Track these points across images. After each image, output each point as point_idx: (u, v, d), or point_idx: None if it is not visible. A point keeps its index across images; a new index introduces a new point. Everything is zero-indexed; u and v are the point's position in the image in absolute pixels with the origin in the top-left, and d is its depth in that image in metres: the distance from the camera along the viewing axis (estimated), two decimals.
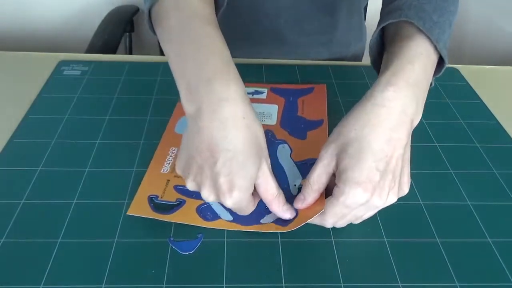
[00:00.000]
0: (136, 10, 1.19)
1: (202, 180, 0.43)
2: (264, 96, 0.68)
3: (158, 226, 0.49)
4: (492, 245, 0.49)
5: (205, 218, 0.49)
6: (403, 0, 0.52)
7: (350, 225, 0.49)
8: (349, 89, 0.71)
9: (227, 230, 0.49)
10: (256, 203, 0.48)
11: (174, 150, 0.57)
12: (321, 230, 0.49)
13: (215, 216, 0.49)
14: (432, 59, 0.50)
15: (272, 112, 0.65)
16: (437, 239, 0.49)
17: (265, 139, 0.46)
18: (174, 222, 0.49)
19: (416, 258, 0.47)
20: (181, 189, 0.52)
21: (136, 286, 0.43)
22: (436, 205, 0.53)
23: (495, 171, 0.58)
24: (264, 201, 0.47)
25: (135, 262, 0.45)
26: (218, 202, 0.46)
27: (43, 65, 0.74)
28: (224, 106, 0.42)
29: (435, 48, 0.49)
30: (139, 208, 0.50)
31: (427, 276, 0.45)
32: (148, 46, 1.25)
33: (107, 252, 0.46)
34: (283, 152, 0.58)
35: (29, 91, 0.68)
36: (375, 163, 0.44)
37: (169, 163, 0.55)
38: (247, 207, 0.46)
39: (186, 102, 0.44)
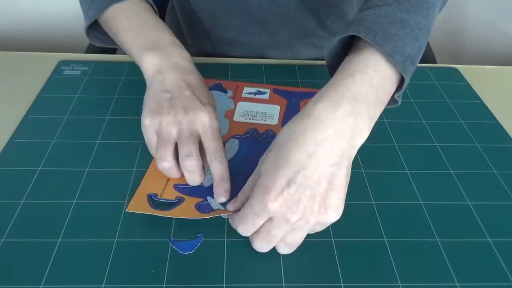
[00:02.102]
0: None
1: (159, 109, 0.53)
2: (266, 96, 0.68)
3: (158, 226, 0.49)
4: (492, 245, 0.49)
5: (203, 212, 0.49)
6: (360, 14, 0.49)
7: (350, 225, 0.49)
8: None
9: (227, 230, 0.49)
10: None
11: None
12: (322, 230, 0.49)
13: (213, 211, 0.50)
14: (384, 73, 0.45)
15: (274, 112, 0.65)
16: (437, 239, 0.49)
17: (207, 93, 0.56)
18: (174, 222, 0.49)
19: (416, 258, 0.47)
20: (181, 188, 0.52)
21: (136, 286, 0.43)
22: (436, 205, 0.53)
23: (495, 171, 0.58)
24: (208, 159, 0.51)
25: (135, 262, 0.45)
26: (213, 199, 0.49)
27: (43, 65, 0.74)
28: (171, 67, 0.55)
29: (390, 61, 0.45)
30: (138, 205, 0.50)
31: (427, 276, 0.45)
32: None
33: (107, 252, 0.46)
34: None
35: (29, 91, 0.68)
36: (290, 172, 0.42)
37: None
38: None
39: (145, 65, 0.57)
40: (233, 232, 0.48)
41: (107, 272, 0.44)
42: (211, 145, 0.52)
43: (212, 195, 0.51)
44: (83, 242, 0.47)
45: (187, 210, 0.49)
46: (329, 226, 0.49)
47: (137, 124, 0.62)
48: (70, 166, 0.55)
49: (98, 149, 0.58)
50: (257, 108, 0.65)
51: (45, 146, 0.58)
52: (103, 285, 0.43)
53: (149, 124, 0.53)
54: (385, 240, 0.48)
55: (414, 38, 0.47)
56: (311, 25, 0.78)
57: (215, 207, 0.50)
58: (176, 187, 0.52)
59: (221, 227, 0.49)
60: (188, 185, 0.52)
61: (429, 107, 0.69)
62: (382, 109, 0.47)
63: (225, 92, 0.69)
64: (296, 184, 0.42)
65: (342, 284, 0.44)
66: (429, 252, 0.48)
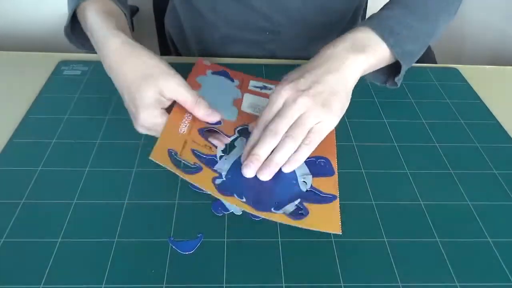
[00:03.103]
0: (136, 10, 1.19)
1: (132, 119, 0.56)
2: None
3: (158, 226, 0.49)
4: (492, 245, 0.49)
5: (219, 191, 0.49)
6: (376, 13, 0.61)
7: (350, 225, 0.50)
8: None
9: (227, 230, 0.49)
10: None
11: (189, 115, 0.57)
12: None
13: (229, 193, 0.50)
14: (383, 55, 0.58)
15: None
16: (437, 239, 0.49)
17: (154, 61, 0.54)
18: (174, 222, 0.49)
19: (416, 258, 0.47)
20: (199, 155, 0.53)
21: (136, 286, 0.43)
22: (436, 205, 0.53)
23: (495, 171, 0.58)
24: (189, 110, 0.55)
25: (135, 262, 0.45)
26: (232, 181, 0.52)
27: (43, 65, 0.74)
28: (110, 57, 0.55)
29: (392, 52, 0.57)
30: (160, 156, 0.49)
31: (427, 276, 0.45)
32: (148, 46, 1.25)
33: (107, 252, 0.46)
34: None
35: (29, 91, 0.68)
36: (304, 71, 0.54)
37: (185, 125, 0.55)
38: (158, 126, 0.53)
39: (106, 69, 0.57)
40: (233, 232, 0.48)
41: (107, 272, 0.44)
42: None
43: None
44: (83, 242, 0.47)
45: (206, 182, 0.50)
46: None
47: None
48: (70, 166, 0.55)
49: (98, 149, 0.58)
50: (263, 102, 0.65)
51: (45, 146, 0.58)
52: (103, 285, 0.43)
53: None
54: (385, 240, 0.48)
55: (414, 38, 0.59)
56: (317, 22, 0.79)
57: (232, 188, 0.50)
58: (194, 151, 0.52)
59: (221, 227, 0.49)
60: (204, 153, 0.53)
61: (429, 107, 0.69)
62: (375, 67, 0.59)
63: (232, 81, 0.69)
64: (308, 80, 0.53)
65: (342, 284, 0.44)
66: (429, 252, 0.48)
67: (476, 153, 0.60)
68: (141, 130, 0.55)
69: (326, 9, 0.78)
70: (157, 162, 0.49)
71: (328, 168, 0.55)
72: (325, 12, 0.79)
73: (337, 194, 0.52)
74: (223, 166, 0.54)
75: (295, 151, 0.51)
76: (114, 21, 0.58)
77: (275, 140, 0.51)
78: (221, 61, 0.77)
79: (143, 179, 0.54)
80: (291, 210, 0.49)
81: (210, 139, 0.56)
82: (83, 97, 0.67)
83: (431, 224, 0.50)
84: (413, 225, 0.50)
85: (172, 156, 0.51)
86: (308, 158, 0.53)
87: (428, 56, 0.91)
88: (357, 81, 0.56)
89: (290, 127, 0.51)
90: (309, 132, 0.51)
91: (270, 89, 0.69)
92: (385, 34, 0.57)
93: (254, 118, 0.61)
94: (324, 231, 0.48)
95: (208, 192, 0.49)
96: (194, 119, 0.56)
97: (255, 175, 0.52)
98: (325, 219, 0.49)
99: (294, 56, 0.81)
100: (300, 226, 0.47)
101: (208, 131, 0.57)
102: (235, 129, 0.59)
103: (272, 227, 0.49)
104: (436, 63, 0.92)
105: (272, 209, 0.49)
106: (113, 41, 0.55)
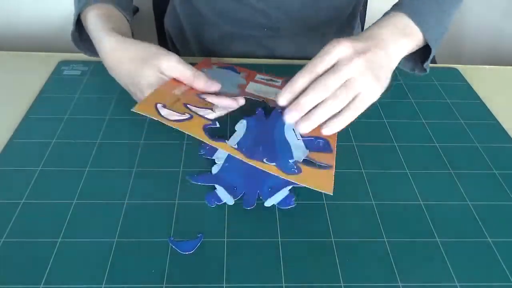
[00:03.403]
0: (136, 10, 1.19)
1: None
2: (279, 84, 0.69)
3: (158, 226, 0.49)
4: (492, 245, 0.49)
5: (210, 137, 0.50)
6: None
7: (350, 225, 0.50)
8: None
9: (227, 230, 0.49)
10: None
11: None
12: (321, 230, 0.49)
13: (220, 139, 0.50)
14: (417, 37, 0.58)
15: None
16: (437, 239, 0.49)
17: (147, 47, 0.56)
18: (174, 222, 0.49)
19: (416, 258, 0.47)
20: (191, 107, 0.53)
21: (136, 286, 0.43)
22: (436, 205, 0.53)
23: (495, 171, 0.58)
24: (189, 85, 0.56)
25: (135, 262, 0.45)
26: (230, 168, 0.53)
27: (43, 65, 0.74)
28: (107, 55, 0.58)
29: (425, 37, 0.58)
30: (145, 108, 0.49)
31: (427, 276, 0.45)
32: None
33: (107, 252, 0.46)
34: (289, 126, 0.57)
35: (29, 91, 0.68)
36: (360, 37, 0.54)
37: (181, 90, 0.55)
38: None
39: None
40: (233, 232, 0.48)
41: (107, 272, 0.44)
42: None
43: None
44: (83, 242, 0.47)
45: (194, 128, 0.49)
46: (329, 226, 0.49)
47: (137, 124, 0.62)
48: (70, 166, 0.55)
49: (98, 149, 0.58)
50: (269, 89, 0.65)
51: (45, 146, 0.58)
52: (103, 285, 0.43)
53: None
54: (385, 240, 0.48)
55: (440, 23, 0.60)
56: (316, 19, 0.79)
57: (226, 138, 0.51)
58: (186, 105, 0.52)
59: (221, 227, 0.49)
60: (199, 106, 0.53)
61: (429, 107, 0.69)
62: (410, 51, 0.59)
63: (238, 73, 0.70)
64: (364, 44, 0.53)
65: (342, 284, 0.44)
66: (429, 252, 0.48)
67: (476, 153, 0.60)
68: None
69: (325, 6, 0.79)
70: (140, 113, 0.49)
71: (327, 148, 0.56)
72: (324, 8, 0.79)
73: (333, 166, 0.52)
74: (222, 154, 0.54)
75: (338, 113, 0.51)
76: (112, 22, 0.60)
77: (325, 94, 0.50)
78: (222, 61, 0.77)
79: (143, 179, 0.54)
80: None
81: (209, 98, 0.56)
82: (83, 97, 0.67)
83: (431, 224, 0.50)
84: (413, 225, 0.50)
85: (159, 108, 0.50)
86: (307, 137, 0.54)
87: None
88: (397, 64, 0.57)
89: (339, 87, 0.50)
90: (355, 97, 0.51)
91: (277, 82, 0.69)
92: (420, 20, 0.58)
93: (259, 97, 0.63)
94: (316, 189, 0.49)
95: (198, 138, 0.49)
96: (195, 88, 0.57)
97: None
98: (318, 179, 0.50)
99: (293, 53, 0.81)
100: (291, 180, 0.48)
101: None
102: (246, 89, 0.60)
103: (272, 227, 0.49)
104: (436, 63, 0.92)
105: (264, 160, 0.50)
106: (108, 40, 0.58)
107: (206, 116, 0.53)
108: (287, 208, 0.51)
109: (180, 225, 0.49)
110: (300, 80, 0.52)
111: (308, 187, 0.49)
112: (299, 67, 0.52)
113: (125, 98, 0.65)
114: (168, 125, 0.48)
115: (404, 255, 0.47)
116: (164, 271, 0.44)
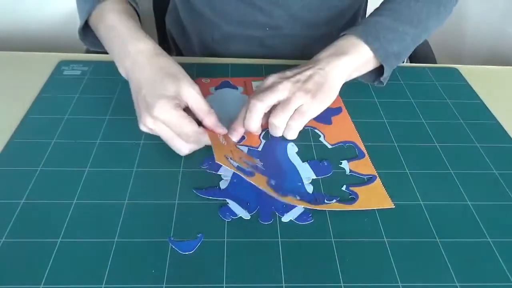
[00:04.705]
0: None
1: (140, 112, 0.55)
2: None
3: (158, 226, 0.49)
4: (492, 245, 0.49)
5: (278, 192, 0.52)
6: (365, 19, 0.67)
7: (350, 225, 0.50)
8: (351, 88, 0.71)
9: (227, 230, 0.49)
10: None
11: (220, 135, 0.59)
12: (322, 230, 0.49)
13: (286, 193, 0.52)
14: (366, 56, 0.64)
15: None
16: (437, 239, 0.49)
17: (179, 68, 0.57)
18: (174, 222, 0.49)
19: (416, 258, 0.47)
20: (248, 163, 0.55)
21: (136, 286, 0.43)
22: (436, 205, 0.53)
23: (495, 171, 0.58)
24: (199, 118, 0.57)
25: (135, 262, 0.45)
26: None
27: (43, 65, 0.74)
28: (138, 56, 0.58)
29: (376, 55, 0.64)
30: (223, 161, 0.52)
31: (427, 276, 0.45)
32: None
33: (107, 252, 0.46)
34: (292, 150, 0.59)
35: (29, 91, 0.68)
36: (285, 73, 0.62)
37: (223, 140, 0.58)
38: (178, 121, 0.54)
39: (120, 70, 0.60)
40: (233, 232, 0.48)
41: (107, 272, 0.44)
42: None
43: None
44: (83, 242, 0.47)
45: (264, 186, 0.52)
46: (329, 226, 0.49)
47: (137, 124, 0.62)
48: (70, 166, 0.55)
49: (98, 149, 0.58)
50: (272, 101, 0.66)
51: (45, 146, 0.58)
52: (103, 285, 0.43)
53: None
54: (385, 240, 0.48)
55: (400, 40, 0.66)
56: (317, 18, 0.79)
57: (288, 190, 0.53)
58: (242, 160, 0.55)
59: (221, 227, 0.49)
60: (250, 161, 0.56)
61: (429, 107, 0.69)
62: (363, 68, 0.66)
63: (236, 88, 0.70)
64: (297, 75, 0.60)
65: (342, 284, 0.44)
66: (429, 252, 0.48)
67: (476, 153, 0.60)
68: (149, 123, 0.54)
69: (326, 6, 0.79)
70: (223, 164, 0.51)
71: (360, 154, 0.59)
72: (325, 8, 0.79)
73: (376, 174, 0.56)
74: (229, 171, 0.55)
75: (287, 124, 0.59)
76: (135, 21, 0.62)
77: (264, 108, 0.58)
78: (222, 61, 0.78)
79: (143, 179, 0.54)
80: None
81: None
82: (83, 97, 0.67)
83: (431, 224, 0.50)
84: (413, 225, 0.50)
85: (230, 161, 0.53)
86: (335, 143, 0.60)
87: (428, 56, 0.91)
88: (344, 80, 0.63)
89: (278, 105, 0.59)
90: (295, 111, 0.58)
91: None
92: (369, 39, 0.63)
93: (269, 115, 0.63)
94: (379, 208, 0.52)
95: (269, 193, 0.51)
96: (226, 137, 0.59)
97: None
98: (375, 197, 0.53)
99: (295, 52, 0.81)
100: (354, 209, 0.51)
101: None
102: (260, 137, 0.61)
103: (272, 227, 0.49)
104: (436, 63, 0.92)
105: (325, 200, 0.52)
106: (144, 41, 0.59)
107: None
108: (304, 224, 0.50)
109: (180, 225, 0.49)
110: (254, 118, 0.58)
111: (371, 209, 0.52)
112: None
113: (125, 98, 0.65)
114: (247, 179, 0.51)
115: (404, 255, 0.47)
116: (164, 271, 0.44)
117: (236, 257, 0.46)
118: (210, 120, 0.56)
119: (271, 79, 0.61)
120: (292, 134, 0.60)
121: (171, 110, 0.53)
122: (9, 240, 0.47)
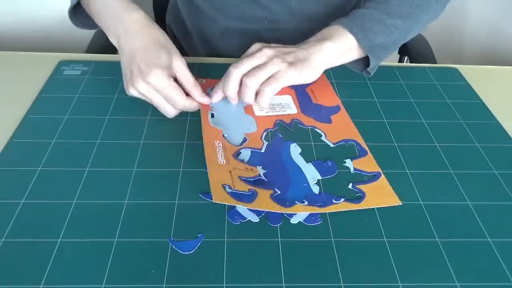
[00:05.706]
0: None
1: (131, 77, 0.59)
2: None
3: (158, 226, 0.49)
4: (492, 245, 0.49)
5: (283, 205, 0.51)
6: (353, 11, 0.69)
7: (350, 225, 0.50)
8: (351, 88, 0.71)
9: (227, 230, 0.49)
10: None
11: (218, 143, 0.59)
12: (322, 230, 0.49)
13: (292, 203, 0.51)
14: (351, 44, 0.66)
15: (289, 102, 0.68)
16: (437, 239, 0.49)
17: (170, 41, 0.62)
18: (174, 222, 0.49)
19: (416, 258, 0.47)
20: (247, 180, 0.54)
21: (136, 286, 0.43)
22: (436, 205, 0.53)
23: (495, 171, 0.58)
24: (186, 89, 0.61)
25: (135, 262, 0.45)
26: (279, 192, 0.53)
27: (43, 65, 0.74)
28: (132, 24, 0.62)
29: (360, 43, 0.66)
30: (221, 196, 0.51)
31: (427, 276, 0.45)
32: None
33: (107, 252, 0.46)
34: (295, 151, 0.59)
35: (29, 91, 0.68)
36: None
37: (221, 155, 0.57)
38: (170, 91, 0.59)
39: (111, 37, 0.65)
40: (233, 232, 0.48)
41: (107, 272, 0.44)
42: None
43: (276, 186, 0.53)
44: (83, 242, 0.47)
45: (267, 203, 0.51)
46: (329, 225, 0.49)
47: (137, 124, 0.62)
48: (70, 166, 0.55)
49: (98, 149, 0.58)
50: (271, 100, 0.66)
51: (45, 146, 0.58)
52: (103, 285, 0.43)
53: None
54: (385, 240, 0.48)
55: (387, 33, 0.67)
56: (315, 12, 0.79)
57: (291, 197, 0.52)
58: (242, 179, 0.54)
59: (221, 227, 0.49)
60: (251, 177, 0.54)
61: (429, 107, 0.69)
62: (346, 55, 0.68)
63: None
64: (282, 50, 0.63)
65: (342, 284, 0.44)
66: (429, 252, 0.48)
67: (476, 153, 0.60)
68: (142, 88, 0.59)
69: None
70: (222, 203, 0.50)
71: (363, 152, 0.59)
72: (323, 1, 0.79)
73: (380, 171, 0.56)
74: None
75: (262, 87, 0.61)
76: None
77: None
78: (222, 61, 0.78)
79: (143, 179, 0.54)
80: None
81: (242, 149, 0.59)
82: (83, 97, 0.67)
83: (431, 224, 0.50)
84: (413, 225, 0.50)
85: (228, 191, 0.52)
86: (337, 142, 0.60)
87: (428, 56, 0.91)
88: (326, 64, 0.65)
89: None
90: (272, 75, 0.60)
91: None
92: (354, 28, 0.65)
93: (272, 119, 0.64)
94: (386, 205, 0.52)
95: (271, 210, 0.50)
96: (225, 147, 0.58)
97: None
98: (382, 195, 0.53)
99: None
100: (362, 207, 0.51)
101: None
102: (261, 138, 0.61)
103: (273, 227, 0.49)
104: (436, 63, 0.92)
105: (333, 200, 0.52)
106: (137, 12, 0.63)
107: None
108: (313, 225, 0.50)
109: (180, 225, 0.49)
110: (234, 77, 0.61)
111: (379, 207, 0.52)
112: None
113: (125, 98, 0.65)
114: (250, 208, 0.51)
115: (404, 255, 0.47)
116: (164, 271, 0.44)
117: (236, 257, 0.46)
118: (195, 91, 0.62)
119: (254, 47, 0.64)
120: (264, 101, 0.61)
121: (165, 78, 0.58)
122: (9, 240, 0.47)
